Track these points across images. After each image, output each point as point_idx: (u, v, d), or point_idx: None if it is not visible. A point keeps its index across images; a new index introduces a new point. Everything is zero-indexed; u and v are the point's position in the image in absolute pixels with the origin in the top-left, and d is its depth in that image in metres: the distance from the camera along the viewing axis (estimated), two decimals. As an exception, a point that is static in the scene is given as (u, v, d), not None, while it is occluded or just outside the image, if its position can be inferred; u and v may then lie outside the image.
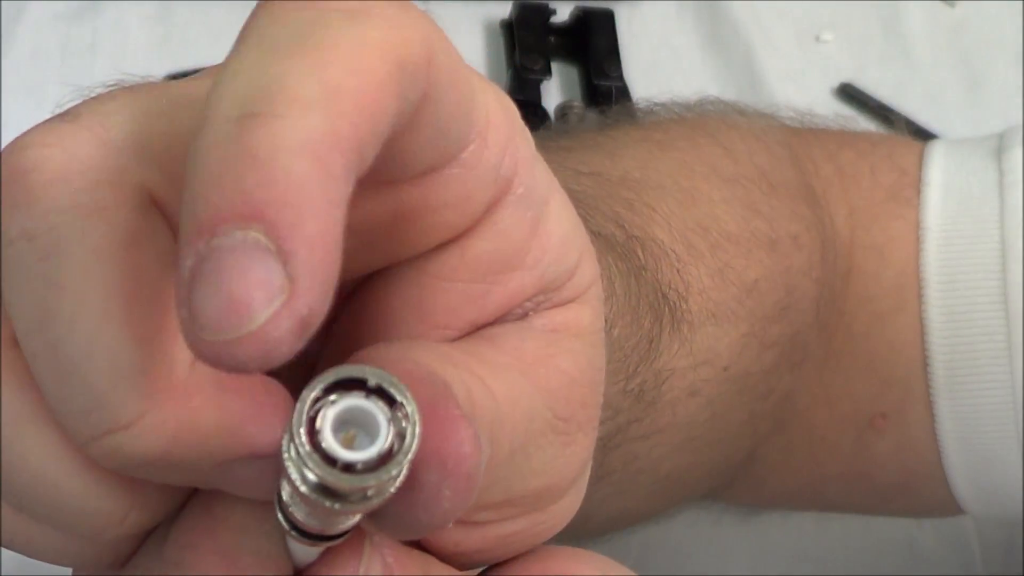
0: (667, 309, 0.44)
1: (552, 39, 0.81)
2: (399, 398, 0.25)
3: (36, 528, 0.29)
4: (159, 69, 0.77)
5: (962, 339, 0.51)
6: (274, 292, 0.24)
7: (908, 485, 0.54)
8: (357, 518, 0.27)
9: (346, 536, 0.28)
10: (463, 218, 0.30)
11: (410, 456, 0.25)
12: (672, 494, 0.51)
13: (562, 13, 0.82)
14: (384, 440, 0.25)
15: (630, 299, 0.41)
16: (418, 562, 0.30)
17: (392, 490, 0.26)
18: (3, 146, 0.27)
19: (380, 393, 0.26)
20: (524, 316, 0.31)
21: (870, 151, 0.55)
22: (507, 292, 0.31)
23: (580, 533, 0.52)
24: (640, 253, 0.43)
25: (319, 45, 0.25)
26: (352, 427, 0.25)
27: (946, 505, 0.54)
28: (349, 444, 0.25)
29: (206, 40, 0.79)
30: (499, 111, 0.30)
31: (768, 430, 0.52)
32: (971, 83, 0.82)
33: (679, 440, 0.47)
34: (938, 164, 0.53)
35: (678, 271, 0.45)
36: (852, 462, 0.54)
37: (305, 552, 0.28)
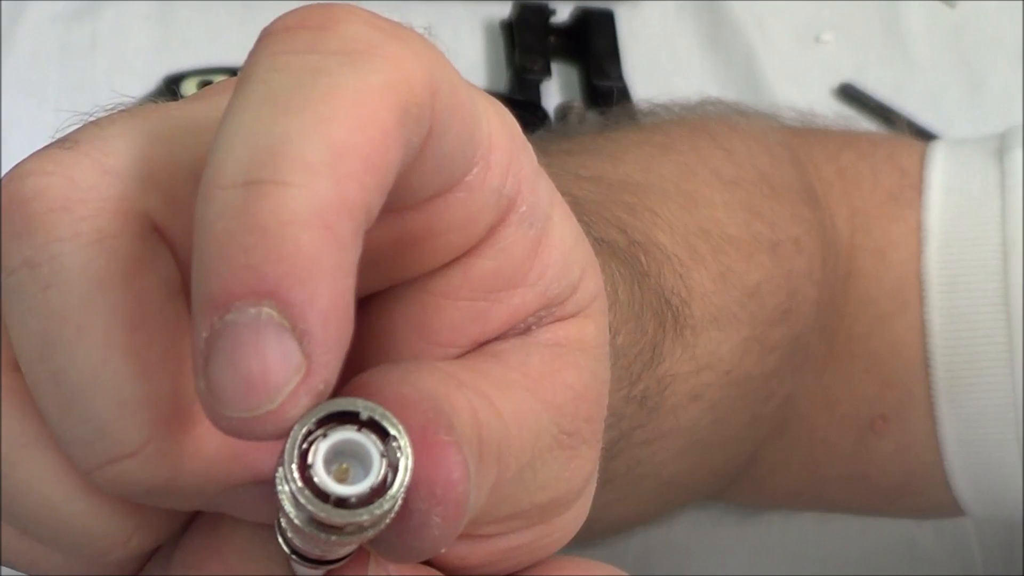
0: (670, 315, 0.44)
1: (552, 39, 0.81)
2: (391, 431, 0.25)
3: (39, 549, 0.29)
4: (159, 69, 0.77)
5: (963, 341, 0.51)
6: (291, 371, 0.24)
7: (909, 486, 0.54)
8: (355, 545, 0.27)
9: (348, 558, 0.28)
10: (466, 239, 0.30)
11: (403, 489, 0.25)
12: (674, 498, 0.51)
13: (562, 13, 0.82)
14: (377, 474, 0.25)
15: (633, 306, 0.41)
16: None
17: (388, 521, 0.25)
18: (2, 149, 0.28)
19: (372, 425, 0.25)
20: (527, 331, 0.31)
21: (871, 152, 0.55)
22: (510, 309, 0.30)
23: (582, 538, 0.52)
24: (643, 259, 0.43)
25: (322, 98, 0.25)
26: (345, 459, 0.25)
27: (947, 506, 0.54)
28: (343, 477, 0.25)
29: (206, 40, 0.78)
30: (501, 130, 0.29)
31: (769, 432, 0.52)
32: (971, 83, 0.82)
33: (681, 444, 0.47)
34: (939, 165, 0.53)
35: (680, 276, 0.45)
36: (852, 463, 0.54)
37: (309, 574, 0.28)
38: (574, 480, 0.32)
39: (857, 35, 0.84)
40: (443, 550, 0.27)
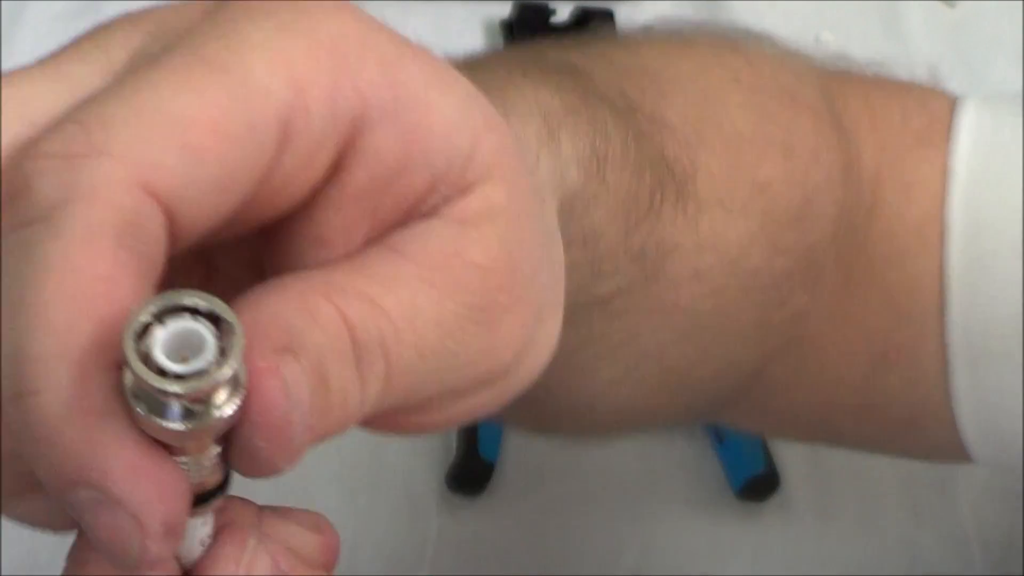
0: (671, 179, 0.43)
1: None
2: (226, 317, 0.27)
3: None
4: (159, 68, 0.76)
5: (981, 284, 0.50)
6: (132, 533, 0.27)
7: (915, 423, 0.53)
8: (215, 453, 0.28)
9: (222, 494, 0.29)
10: (318, 172, 0.30)
11: (238, 354, 0.26)
12: (678, 391, 0.50)
13: (562, 13, 0.82)
14: (212, 352, 0.27)
15: (628, 150, 0.41)
16: (305, 561, 0.31)
17: (230, 406, 0.27)
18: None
19: (210, 317, 0.27)
20: (434, 211, 0.31)
21: (902, 95, 0.54)
22: (397, 198, 0.31)
23: (586, 427, 0.52)
24: (644, 125, 0.43)
25: (34, 285, 0.27)
26: (186, 351, 0.27)
27: (953, 448, 0.53)
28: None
29: (206, 40, 0.78)
30: (309, 61, 0.29)
31: (778, 345, 0.51)
32: (971, 83, 0.82)
33: (684, 328, 0.46)
34: (970, 113, 0.53)
35: (685, 151, 0.44)
36: (860, 393, 0.53)
37: (189, 550, 0.30)
38: (505, 348, 0.32)
39: (857, 35, 0.84)
40: (287, 466, 0.28)
